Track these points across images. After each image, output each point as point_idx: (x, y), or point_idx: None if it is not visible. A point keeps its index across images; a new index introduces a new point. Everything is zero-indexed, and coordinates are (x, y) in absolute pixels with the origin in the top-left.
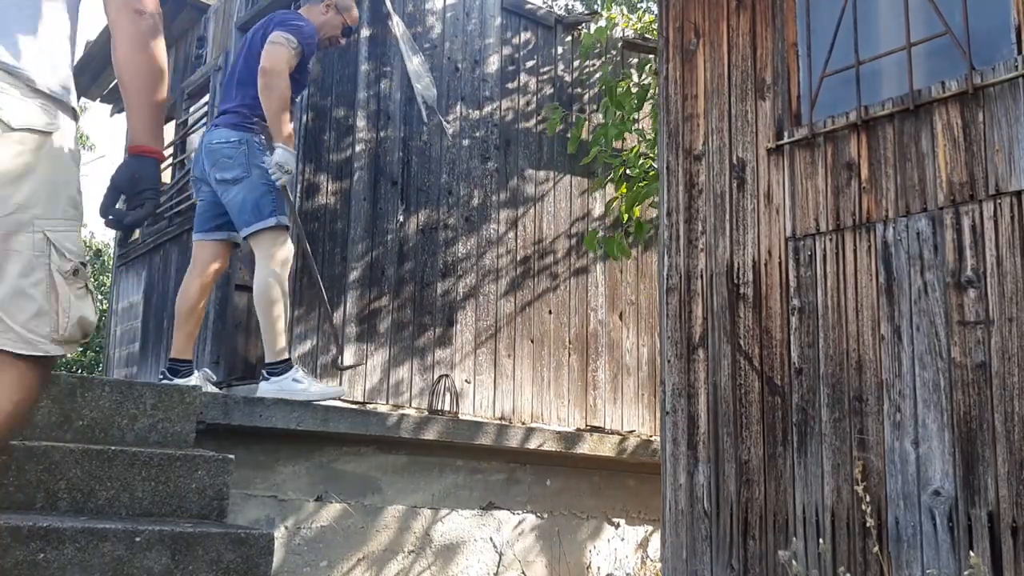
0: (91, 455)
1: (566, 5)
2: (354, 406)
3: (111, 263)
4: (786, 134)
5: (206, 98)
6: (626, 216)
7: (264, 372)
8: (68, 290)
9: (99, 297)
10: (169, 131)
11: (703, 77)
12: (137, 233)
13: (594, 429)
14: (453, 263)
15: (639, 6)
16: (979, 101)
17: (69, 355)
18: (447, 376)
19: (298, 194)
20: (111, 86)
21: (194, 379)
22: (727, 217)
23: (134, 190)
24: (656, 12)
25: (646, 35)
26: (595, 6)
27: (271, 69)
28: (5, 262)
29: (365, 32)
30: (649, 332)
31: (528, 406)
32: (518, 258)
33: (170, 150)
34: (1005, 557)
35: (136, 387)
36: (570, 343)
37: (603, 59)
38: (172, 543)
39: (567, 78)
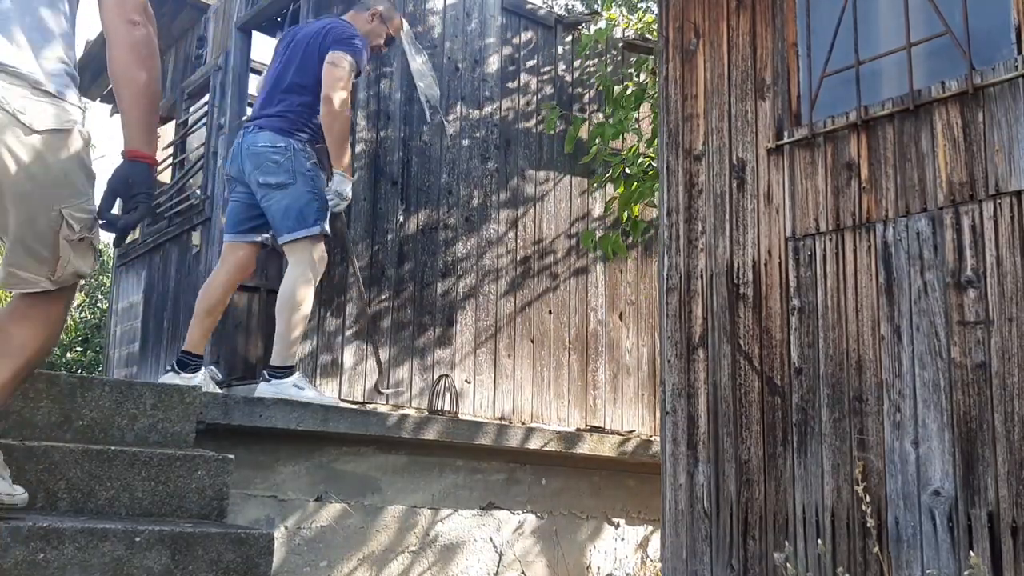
0: (91, 455)
1: (566, 5)
2: (354, 406)
3: (111, 263)
4: (786, 134)
5: (206, 98)
6: (624, 215)
7: (265, 373)
8: (70, 250)
9: (99, 297)
10: (169, 131)
11: (703, 77)
12: (138, 232)
13: (594, 429)
14: (453, 263)
15: (639, 6)
16: (979, 101)
17: (69, 356)
18: (447, 376)
19: None
20: (110, 87)
21: (199, 376)
22: (727, 217)
23: (128, 193)
24: (656, 12)
25: (646, 35)
26: (595, 6)
27: (334, 97)
28: (26, 235)
29: None
30: (649, 332)
31: (528, 406)
32: (518, 258)
33: (169, 150)
34: (1005, 557)
35: (136, 387)
36: (570, 343)
37: (603, 59)
38: (172, 543)
39: (567, 78)
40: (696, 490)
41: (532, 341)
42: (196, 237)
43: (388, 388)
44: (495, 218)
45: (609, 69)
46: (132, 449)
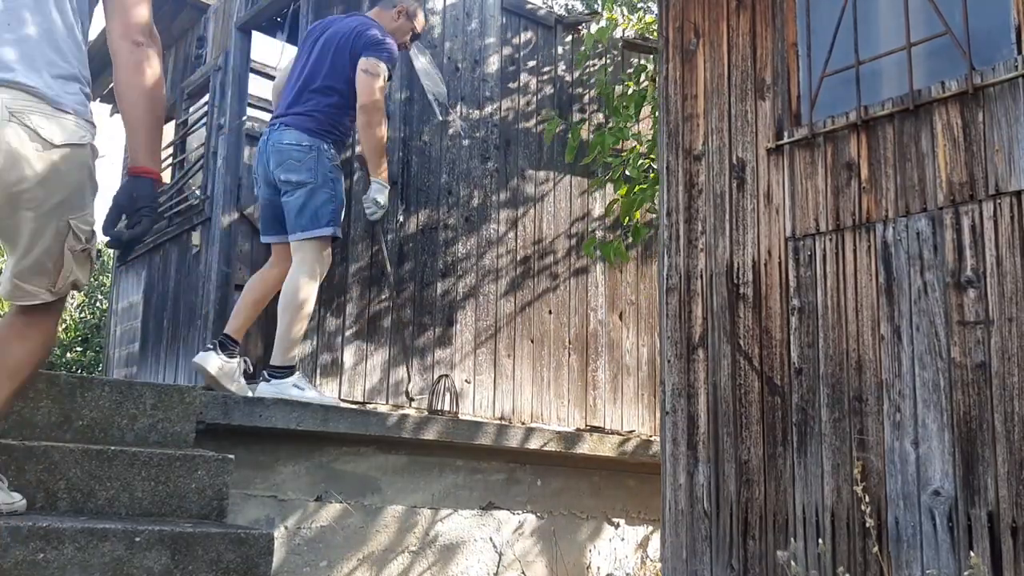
0: (91, 455)
1: (566, 5)
2: (354, 406)
3: (111, 263)
4: (786, 134)
5: (206, 98)
6: (625, 220)
7: (266, 372)
8: (72, 262)
9: (99, 297)
10: (169, 131)
11: (703, 77)
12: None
13: (594, 429)
14: (453, 263)
15: (639, 6)
16: (979, 101)
17: (69, 356)
18: (447, 376)
19: None
20: (110, 87)
21: (236, 361)
22: (727, 217)
23: (133, 208)
24: (656, 12)
25: (646, 35)
26: (595, 6)
27: (372, 105)
28: (35, 244)
29: None
30: (649, 332)
31: (528, 406)
32: (518, 258)
33: (169, 150)
34: (1005, 557)
35: (136, 387)
36: (570, 343)
37: (603, 60)
38: (172, 543)
39: (567, 78)
40: (696, 490)
41: (532, 341)
42: (196, 237)
43: (418, 394)
44: (495, 218)
45: (610, 70)
46: (132, 449)
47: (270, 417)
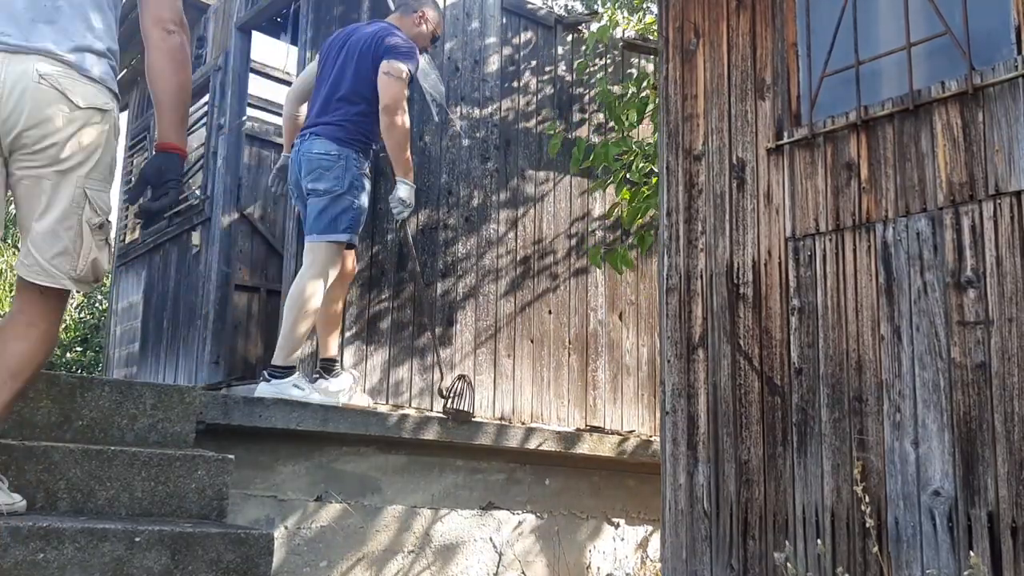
0: (91, 455)
1: (566, 5)
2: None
3: (111, 263)
4: (786, 134)
5: (206, 98)
6: (627, 226)
7: (266, 373)
8: (91, 239)
9: (98, 297)
10: None
11: (703, 77)
12: (138, 232)
13: (594, 429)
14: (453, 263)
15: (639, 7)
16: (979, 101)
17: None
18: (464, 377)
19: None
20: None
21: (344, 377)
22: (727, 217)
23: (160, 180)
24: (656, 12)
25: (647, 36)
26: (595, 6)
27: (394, 107)
28: (49, 207)
29: None
30: (649, 332)
31: (528, 406)
32: (518, 258)
33: None
34: (1005, 557)
35: (136, 387)
36: (570, 343)
37: (604, 60)
38: (172, 543)
39: (567, 78)
40: (696, 490)
41: (532, 341)
42: (196, 237)
43: (448, 393)
44: (495, 218)
45: (610, 71)
46: (132, 449)
47: (270, 417)
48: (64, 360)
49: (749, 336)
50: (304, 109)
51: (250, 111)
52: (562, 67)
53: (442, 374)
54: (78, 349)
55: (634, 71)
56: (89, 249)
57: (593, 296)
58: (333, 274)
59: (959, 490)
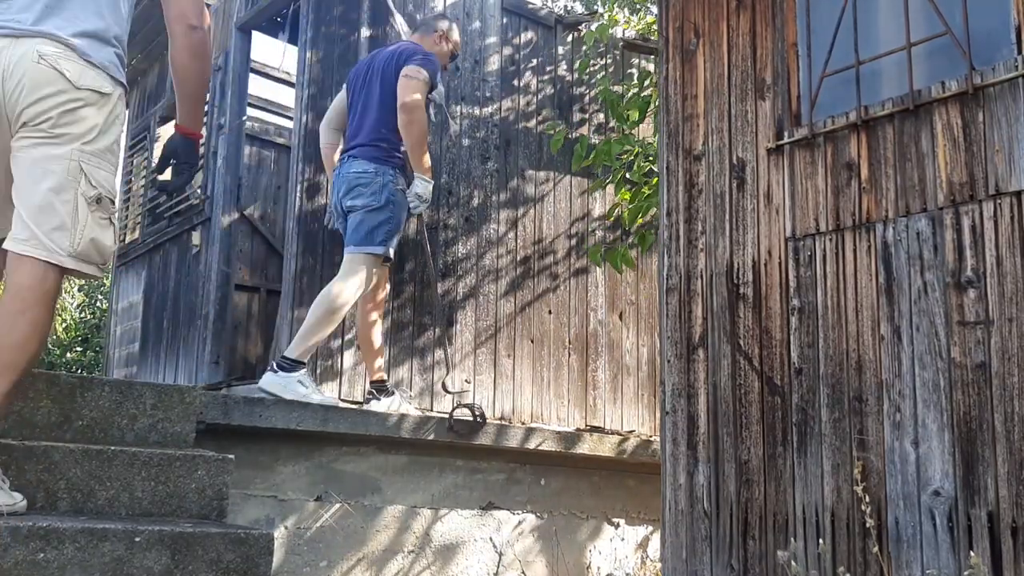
0: (91, 455)
1: (565, 6)
2: (354, 406)
3: (111, 263)
4: (786, 134)
5: (205, 97)
6: (628, 225)
7: (274, 363)
8: (88, 214)
9: (99, 297)
10: (169, 130)
11: (703, 77)
12: (138, 232)
13: (594, 429)
14: (453, 263)
15: (639, 7)
16: (979, 101)
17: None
18: (474, 404)
19: (299, 194)
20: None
21: (396, 398)
22: (727, 217)
23: (179, 160)
24: (656, 12)
25: (647, 36)
26: (595, 6)
27: (410, 104)
28: (43, 178)
29: (366, 32)
30: (649, 332)
31: (528, 406)
32: (518, 258)
33: None
34: (1005, 557)
35: (136, 387)
36: (570, 343)
37: (604, 59)
38: (172, 543)
39: (568, 78)
40: (696, 490)
41: (532, 341)
42: (196, 237)
43: (455, 388)
44: (495, 218)
45: (610, 71)
46: (132, 449)
47: (270, 417)
48: (64, 360)
49: (749, 336)
50: (335, 136)
51: (250, 111)
52: (563, 67)
53: (448, 369)
54: (78, 349)
55: (634, 71)
56: (85, 224)
57: (593, 296)
58: (368, 285)
59: (959, 490)
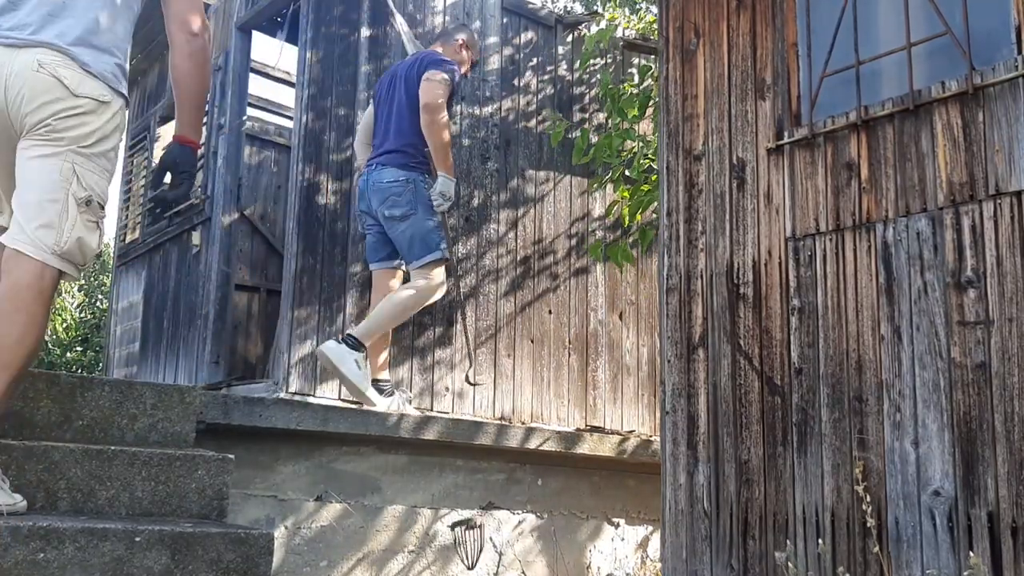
0: (91, 455)
1: (566, 6)
2: (354, 406)
3: (111, 263)
4: (786, 134)
5: (205, 103)
6: (628, 221)
7: (341, 336)
8: (77, 215)
9: (99, 297)
10: (169, 130)
11: (703, 77)
12: (138, 232)
13: (594, 429)
14: (453, 263)
15: (639, 6)
16: (979, 101)
17: (69, 356)
18: (475, 523)
19: (299, 195)
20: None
21: (396, 398)
22: (727, 217)
23: (177, 170)
24: (656, 12)
25: (647, 36)
26: (595, 6)
27: (432, 105)
28: (37, 177)
29: (366, 32)
30: (649, 332)
31: (528, 406)
32: (518, 258)
33: None
34: (1005, 557)
35: (136, 387)
36: (570, 343)
37: (604, 60)
38: (172, 543)
39: (568, 78)
40: (696, 490)
41: (532, 341)
42: (196, 237)
43: (476, 380)
44: (495, 218)
45: (611, 71)
46: (132, 449)
47: (270, 417)
48: (64, 360)
49: (749, 336)
50: (369, 152)
51: (250, 111)
52: (563, 67)
53: (471, 361)
54: (78, 349)
55: (634, 71)
56: (74, 224)
57: (593, 296)
58: (440, 293)
59: (959, 490)
